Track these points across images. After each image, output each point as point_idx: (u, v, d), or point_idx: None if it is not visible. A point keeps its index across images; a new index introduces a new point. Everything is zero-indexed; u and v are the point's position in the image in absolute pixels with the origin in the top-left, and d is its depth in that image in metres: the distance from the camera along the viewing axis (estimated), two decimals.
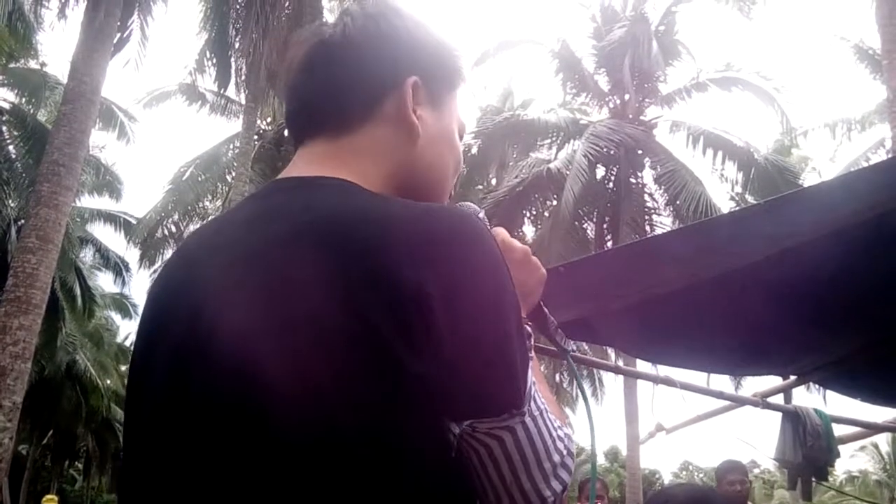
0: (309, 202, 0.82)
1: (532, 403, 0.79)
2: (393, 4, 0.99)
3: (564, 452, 0.82)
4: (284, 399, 0.70)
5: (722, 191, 15.76)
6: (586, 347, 13.59)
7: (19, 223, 14.28)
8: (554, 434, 0.81)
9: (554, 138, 16.88)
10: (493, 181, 19.54)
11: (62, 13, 11.68)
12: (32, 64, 17.44)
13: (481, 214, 0.97)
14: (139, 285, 26.94)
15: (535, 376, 0.84)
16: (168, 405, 0.77)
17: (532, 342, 0.86)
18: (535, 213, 16.92)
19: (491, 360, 0.75)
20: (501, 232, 1.03)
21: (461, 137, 1.03)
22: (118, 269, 21.90)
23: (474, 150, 16.98)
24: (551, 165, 15.55)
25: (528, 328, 0.88)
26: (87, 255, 21.50)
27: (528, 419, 0.78)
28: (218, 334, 0.74)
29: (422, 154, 0.95)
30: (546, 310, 1.11)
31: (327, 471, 0.69)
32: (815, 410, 3.85)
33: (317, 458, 0.69)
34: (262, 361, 0.70)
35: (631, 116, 16.16)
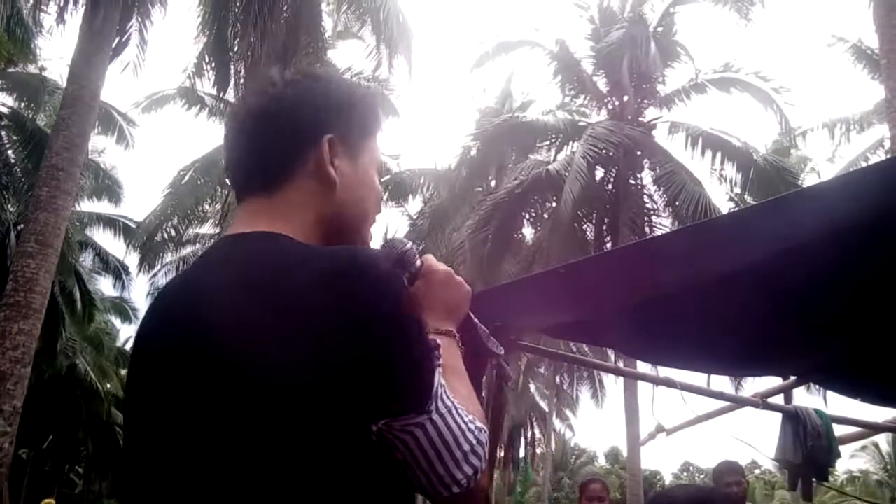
0: (245, 255, 1.03)
1: (439, 403, 0.95)
2: (309, 71, 1.24)
3: (474, 442, 0.98)
4: (240, 394, 0.91)
5: (721, 192, 15.74)
6: (587, 349, 13.63)
7: (19, 227, 14.27)
8: (463, 427, 0.97)
9: (553, 140, 16.88)
10: (493, 183, 19.53)
11: (61, 17, 11.68)
12: (31, 68, 17.45)
13: (408, 246, 1.22)
14: (139, 289, 26.97)
15: (451, 378, 1.05)
16: (165, 380, 0.98)
17: (440, 352, 1.02)
18: (534, 214, 16.92)
19: (394, 370, 0.93)
20: (428, 258, 1.24)
21: (380, 174, 1.22)
22: (118, 272, 21.89)
23: (473, 152, 16.99)
24: (550, 167, 15.55)
25: (436, 340, 1.04)
26: (86, 260, 21.48)
27: (435, 416, 0.95)
28: (191, 350, 0.96)
29: (343, 200, 1.12)
30: (475, 320, 1.30)
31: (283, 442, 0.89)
32: (816, 411, 3.85)
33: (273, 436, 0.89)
34: (221, 364, 0.94)
35: (630, 118, 16.16)
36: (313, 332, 0.91)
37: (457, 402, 0.99)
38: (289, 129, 1.10)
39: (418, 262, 1.24)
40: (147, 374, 1.02)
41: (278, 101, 1.12)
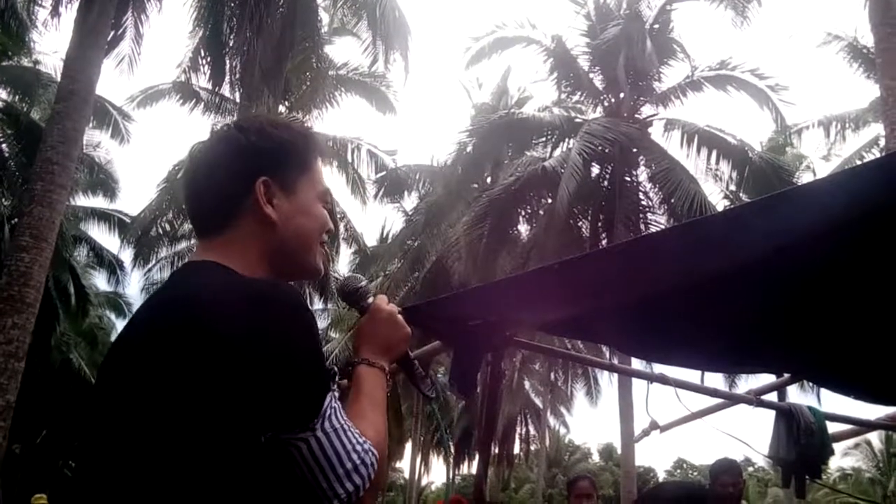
0: (179, 282, 1.21)
1: (325, 422, 1.08)
2: (240, 123, 1.32)
3: (357, 462, 1.09)
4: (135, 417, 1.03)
5: (716, 189, 15.72)
6: (581, 346, 13.63)
7: (13, 221, 14.22)
8: (348, 446, 1.09)
9: (549, 137, 16.86)
10: (489, 179, 19.53)
11: (56, 11, 11.63)
12: (26, 62, 17.36)
13: (361, 283, 1.41)
14: (133, 284, 26.89)
15: (364, 404, 1.22)
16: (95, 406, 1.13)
17: (336, 380, 1.13)
18: (529, 211, 16.90)
19: (282, 392, 1.04)
20: (379, 298, 1.40)
21: (326, 199, 1.34)
22: (112, 267, 21.79)
23: (469, 149, 16.96)
24: (546, 164, 15.53)
25: (335, 369, 1.15)
26: (81, 254, 21.40)
27: (319, 433, 1.07)
28: (111, 367, 1.14)
29: (284, 233, 1.25)
30: (415, 361, 1.43)
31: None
32: (809, 408, 3.86)
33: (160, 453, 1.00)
34: (124, 381, 1.08)
35: (626, 115, 16.15)
36: (211, 354, 1.01)
37: (352, 425, 1.13)
38: (215, 184, 1.25)
39: (370, 300, 1.39)
40: (97, 382, 1.17)
41: (202, 161, 1.29)
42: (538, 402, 31.64)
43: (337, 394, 1.12)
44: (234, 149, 1.26)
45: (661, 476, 51.12)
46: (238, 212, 1.23)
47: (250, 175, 1.23)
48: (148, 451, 0.99)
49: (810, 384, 5.38)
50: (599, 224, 15.95)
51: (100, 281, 23.50)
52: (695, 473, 50.34)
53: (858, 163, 13.75)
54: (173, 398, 1.01)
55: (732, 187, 15.42)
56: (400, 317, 1.38)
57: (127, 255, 20.87)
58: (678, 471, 55.16)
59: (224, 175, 1.25)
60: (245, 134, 1.27)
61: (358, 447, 1.10)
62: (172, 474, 0.98)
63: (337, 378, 1.16)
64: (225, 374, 1.01)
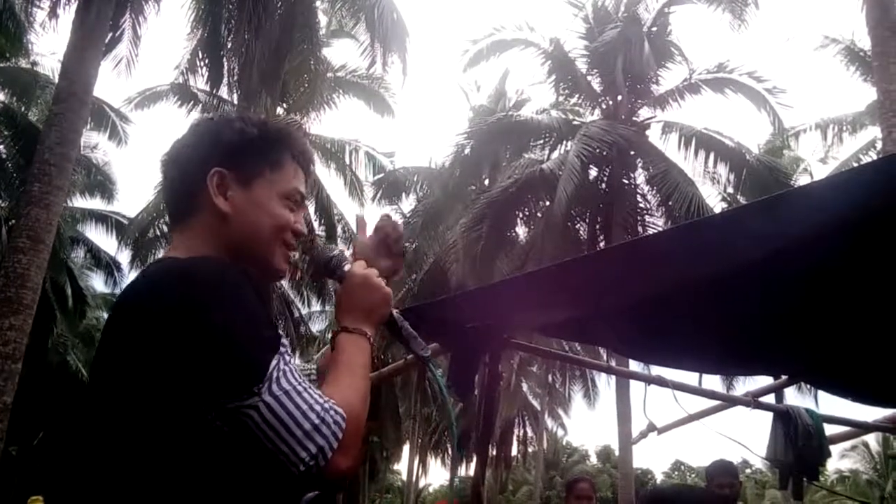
0: (146, 270, 1.25)
1: (273, 385, 1.05)
2: (219, 116, 1.37)
3: (317, 421, 1.06)
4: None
5: (714, 192, 15.75)
6: (578, 347, 13.63)
7: (10, 223, 14.20)
8: (304, 407, 1.06)
9: (547, 139, 16.89)
10: (486, 181, 19.53)
11: (53, 12, 11.60)
12: (23, 63, 17.34)
13: (335, 252, 1.39)
14: None
15: (341, 371, 1.20)
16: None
17: (285, 349, 1.11)
18: (527, 213, 16.91)
19: (216, 359, 1.03)
20: (356, 265, 1.36)
21: (294, 200, 1.31)
22: (110, 269, 21.76)
23: (467, 151, 16.97)
24: (544, 166, 15.55)
25: (282, 335, 1.14)
26: (78, 256, 21.37)
27: (267, 397, 1.04)
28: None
29: (238, 226, 1.25)
30: (401, 322, 1.38)
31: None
32: (807, 410, 3.86)
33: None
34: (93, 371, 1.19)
35: (623, 117, 16.17)
36: (143, 332, 1.06)
37: (309, 386, 1.10)
38: (181, 173, 1.28)
39: (346, 268, 1.36)
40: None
41: (173, 150, 1.31)
42: (536, 404, 31.63)
43: (296, 360, 1.11)
44: (200, 139, 1.29)
45: (659, 478, 51.16)
46: (197, 202, 1.25)
47: (205, 167, 1.24)
48: (99, 437, 1.07)
49: (808, 386, 5.38)
50: (597, 226, 15.97)
51: (97, 282, 23.49)
52: (692, 475, 50.34)
53: (856, 165, 13.79)
54: (116, 382, 1.07)
55: (730, 190, 15.46)
56: (377, 279, 1.34)
57: (124, 257, 20.83)
58: (676, 473, 55.18)
59: (187, 164, 1.27)
60: (216, 126, 1.30)
61: (316, 406, 1.08)
62: (123, 458, 1.04)
63: (286, 345, 1.13)
64: (157, 350, 1.04)
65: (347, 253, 1.42)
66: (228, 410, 1.04)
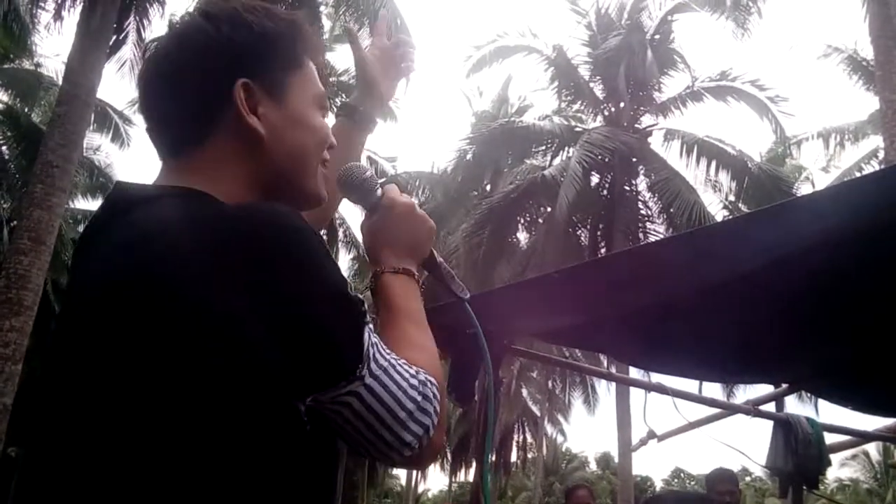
0: (145, 214, 0.88)
1: (372, 364, 0.86)
2: (207, 10, 0.99)
3: (419, 398, 0.88)
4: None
5: (716, 200, 15.76)
6: (579, 354, 13.61)
7: (12, 224, 14.22)
8: (404, 385, 0.88)
9: (549, 145, 16.90)
10: (488, 187, 19.55)
11: (58, 14, 11.64)
12: (27, 64, 17.39)
13: (367, 174, 1.10)
14: None
15: (403, 322, 0.99)
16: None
17: (367, 307, 0.90)
18: (529, 219, 16.93)
19: (313, 340, 0.82)
20: (390, 188, 1.12)
21: (324, 105, 1.06)
22: None
23: (469, 156, 17.00)
24: (546, 172, 15.56)
25: (359, 296, 0.89)
26: None
27: (369, 380, 0.85)
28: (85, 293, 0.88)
29: (275, 148, 0.98)
30: (440, 259, 1.16)
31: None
32: (807, 419, 3.86)
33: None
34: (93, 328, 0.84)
35: (626, 124, 16.19)
36: (204, 306, 0.79)
37: (397, 355, 0.91)
38: (190, 87, 0.96)
39: (378, 192, 1.12)
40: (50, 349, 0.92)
41: (175, 56, 0.98)
42: (536, 410, 31.58)
43: (371, 326, 0.90)
44: (203, 44, 0.96)
45: (659, 485, 51.03)
46: (212, 127, 0.96)
47: (226, 77, 0.95)
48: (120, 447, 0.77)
49: (808, 395, 5.38)
50: (598, 233, 15.98)
51: None
52: (692, 483, 50.20)
53: (858, 174, 13.79)
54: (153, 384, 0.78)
55: (731, 198, 15.46)
56: (420, 209, 1.12)
57: None
58: (675, 480, 55.02)
59: (191, 79, 0.96)
60: (215, 23, 0.96)
61: (414, 381, 0.89)
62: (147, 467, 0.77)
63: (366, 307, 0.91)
64: (241, 337, 0.79)
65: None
66: (320, 404, 0.84)
